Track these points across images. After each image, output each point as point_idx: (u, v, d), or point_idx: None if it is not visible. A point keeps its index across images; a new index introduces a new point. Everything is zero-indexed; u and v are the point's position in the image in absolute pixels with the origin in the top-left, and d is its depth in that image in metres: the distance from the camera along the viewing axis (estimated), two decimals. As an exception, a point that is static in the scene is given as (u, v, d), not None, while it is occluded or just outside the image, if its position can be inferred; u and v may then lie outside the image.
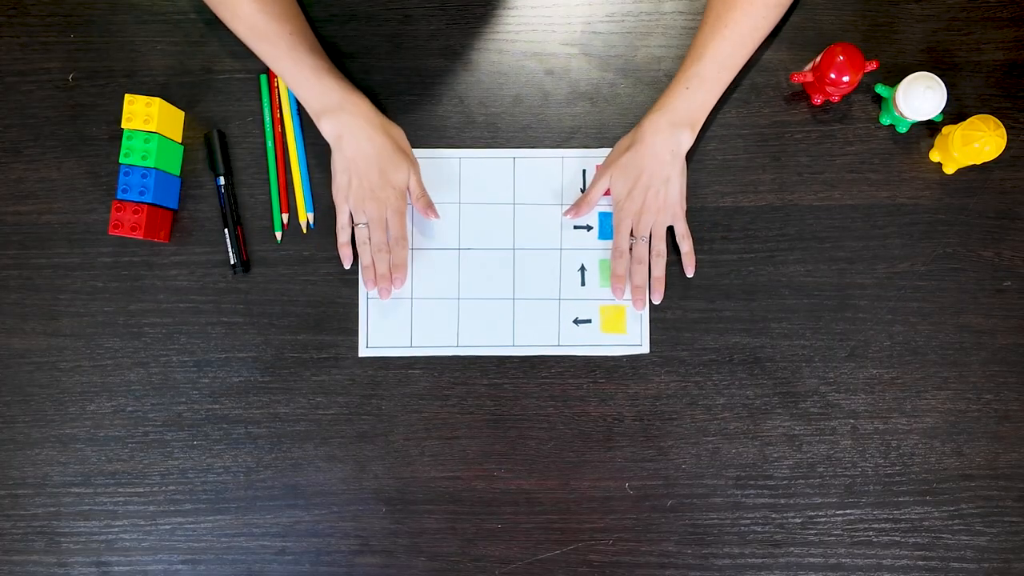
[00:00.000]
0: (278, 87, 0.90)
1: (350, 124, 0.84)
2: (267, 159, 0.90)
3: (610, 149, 0.90)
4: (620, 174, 0.87)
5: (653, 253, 0.88)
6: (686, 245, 0.89)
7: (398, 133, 0.87)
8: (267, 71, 0.90)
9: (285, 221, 0.90)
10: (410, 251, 0.90)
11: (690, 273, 0.89)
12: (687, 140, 0.86)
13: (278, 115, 0.90)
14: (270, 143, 0.90)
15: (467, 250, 0.91)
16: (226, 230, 0.88)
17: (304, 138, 0.90)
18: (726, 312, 0.90)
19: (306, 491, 0.89)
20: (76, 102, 0.90)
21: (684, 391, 0.90)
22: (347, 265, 0.88)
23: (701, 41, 0.85)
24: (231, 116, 0.91)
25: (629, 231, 0.88)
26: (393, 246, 0.87)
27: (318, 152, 0.90)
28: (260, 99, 0.91)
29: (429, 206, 0.88)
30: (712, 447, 0.89)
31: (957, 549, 0.89)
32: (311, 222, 0.90)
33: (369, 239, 0.87)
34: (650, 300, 0.90)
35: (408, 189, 0.87)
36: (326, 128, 0.85)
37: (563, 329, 0.90)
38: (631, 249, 0.88)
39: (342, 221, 0.87)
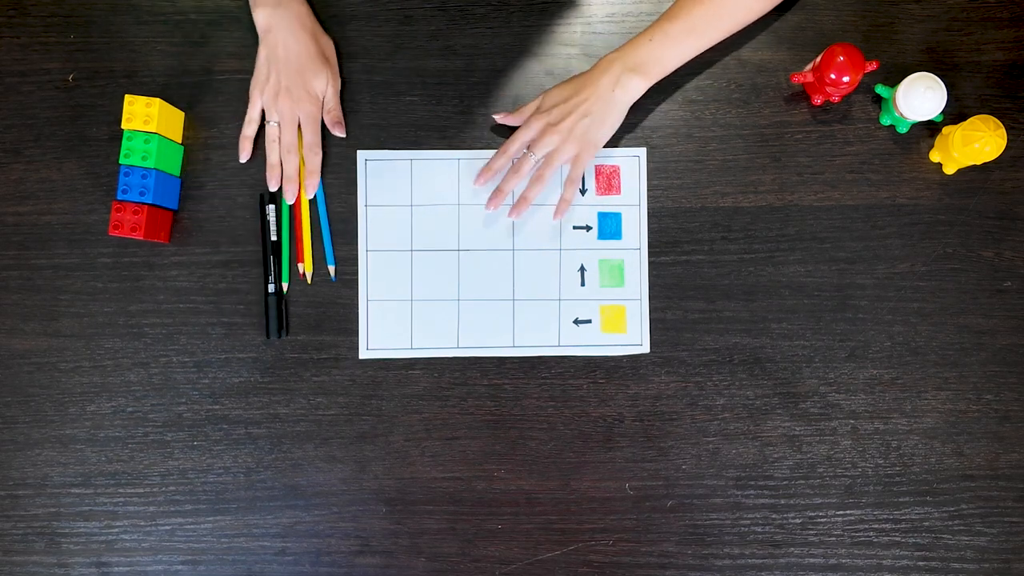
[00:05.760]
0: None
1: (282, 19, 0.86)
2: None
3: (610, 149, 0.90)
4: (559, 89, 0.88)
5: (567, 180, 0.87)
6: (569, 191, 0.88)
7: (327, 42, 0.89)
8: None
9: (300, 271, 0.90)
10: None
11: (554, 218, 0.89)
12: (636, 86, 0.86)
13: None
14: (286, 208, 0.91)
15: (467, 251, 0.91)
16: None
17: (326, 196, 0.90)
18: (726, 312, 0.90)
19: (306, 491, 0.89)
20: (76, 102, 0.90)
21: (684, 391, 0.90)
22: (243, 159, 0.89)
23: (679, 3, 0.86)
24: (231, 116, 0.90)
25: (529, 140, 0.87)
26: (307, 152, 0.88)
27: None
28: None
29: (339, 121, 0.89)
30: (712, 447, 0.89)
31: (957, 549, 0.89)
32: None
33: (280, 139, 0.88)
34: (650, 300, 0.90)
35: (324, 98, 0.88)
36: (259, 19, 0.87)
37: (563, 329, 0.90)
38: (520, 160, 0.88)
39: (252, 115, 0.88)
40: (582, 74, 0.87)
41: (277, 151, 0.88)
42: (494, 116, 0.90)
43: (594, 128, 0.86)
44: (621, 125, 0.90)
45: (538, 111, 0.87)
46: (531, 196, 0.88)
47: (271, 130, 0.88)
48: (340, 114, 0.89)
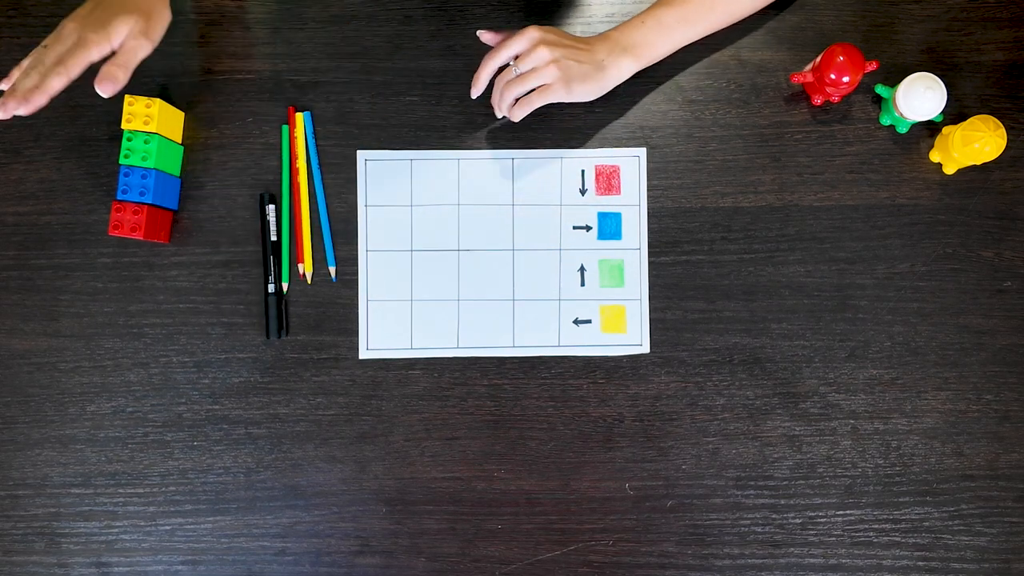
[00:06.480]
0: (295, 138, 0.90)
1: None
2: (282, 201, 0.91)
3: (610, 149, 0.91)
4: (556, 29, 0.86)
5: (522, 99, 0.85)
6: (519, 112, 0.85)
7: (161, 9, 0.78)
8: (286, 120, 0.90)
9: (300, 271, 0.90)
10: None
11: (507, 115, 0.86)
12: (626, 66, 0.86)
13: (296, 166, 0.90)
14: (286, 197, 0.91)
15: (467, 251, 0.91)
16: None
17: (325, 188, 0.90)
18: (726, 312, 0.90)
19: (306, 492, 0.89)
20: (76, 102, 0.90)
21: (684, 391, 0.90)
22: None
23: None
24: (230, 116, 0.91)
25: (517, 52, 0.84)
26: (49, 69, 0.72)
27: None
28: (280, 148, 0.91)
29: (113, 77, 0.74)
30: (712, 447, 0.89)
31: (957, 550, 0.89)
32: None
33: (42, 53, 0.74)
34: (650, 300, 0.90)
35: (119, 42, 0.75)
36: None
37: (563, 329, 0.90)
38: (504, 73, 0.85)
39: (47, 39, 0.75)
40: (581, 37, 0.87)
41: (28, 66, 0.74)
42: (478, 33, 0.87)
43: (578, 76, 0.84)
44: (620, 124, 0.90)
45: (529, 28, 0.84)
46: (499, 103, 0.86)
47: (36, 53, 0.74)
48: (120, 70, 0.74)
